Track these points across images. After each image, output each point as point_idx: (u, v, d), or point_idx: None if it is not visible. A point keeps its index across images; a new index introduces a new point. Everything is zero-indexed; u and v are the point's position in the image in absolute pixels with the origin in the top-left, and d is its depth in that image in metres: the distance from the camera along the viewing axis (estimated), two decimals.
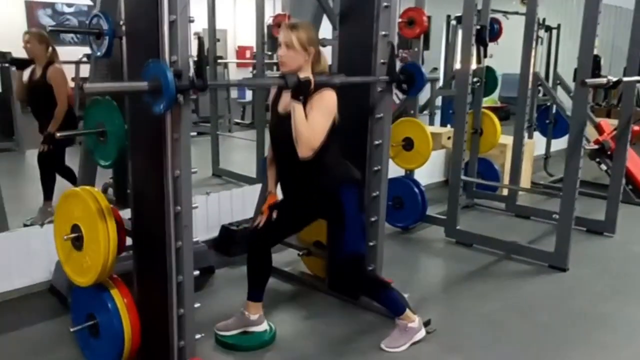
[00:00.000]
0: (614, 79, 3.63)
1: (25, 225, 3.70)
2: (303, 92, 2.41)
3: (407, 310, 2.85)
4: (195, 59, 2.05)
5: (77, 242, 2.31)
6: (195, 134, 2.22)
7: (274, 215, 2.74)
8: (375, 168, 3.04)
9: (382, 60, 2.92)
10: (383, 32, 2.89)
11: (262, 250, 2.82)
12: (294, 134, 2.45)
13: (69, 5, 9.14)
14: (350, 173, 2.70)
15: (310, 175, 2.60)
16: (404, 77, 2.98)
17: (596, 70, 3.59)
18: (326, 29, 3.26)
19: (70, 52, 6.89)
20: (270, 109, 2.74)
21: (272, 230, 2.79)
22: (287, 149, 2.51)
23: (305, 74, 2.47)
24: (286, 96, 2.53)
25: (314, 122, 2.45)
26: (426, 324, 2.96)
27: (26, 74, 4.34)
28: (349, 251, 2.69)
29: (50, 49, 4.23)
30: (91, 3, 3.47)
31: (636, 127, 5.41)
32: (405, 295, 3.01)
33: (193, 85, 2.04)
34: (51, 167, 4.38)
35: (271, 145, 2.79)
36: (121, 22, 2.30)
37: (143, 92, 1.99)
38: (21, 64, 4.33)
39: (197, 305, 2.32)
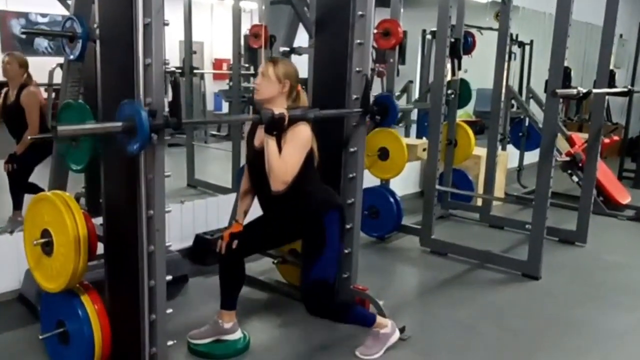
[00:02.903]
0: (584, 90, 3.72)
1: None
2: (277, 127, 2.44)
3: (378, 318, 2.85)
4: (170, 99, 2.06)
5: (47, 247, 2.28)
6: (169, 137, 2.20)
7: (234, 245, 2.72)
8: (351, 175, 3.05)
9: (355, 96, 2.93)
10: (358, 41, 2.92)
11: (234, 261, 2.80)
12: (266, 168, 2.48)
13: (43, 15, 9.02)
14: (333, 199, 2.73)
15: (291, 201, 2.61)
16: (377, 109, 3.03)
17: (566, 82, 3.67)
18: (302, 38, 3.29)
19: (45, 62, 6.79)
20: (246, 142, 2.78)
21: (246, 245, 2.78)
22: (265, 182, 2.53)
23: (280, 107, 2.49)
24: (261, 130, 2.55)
25: (287, 156, 2.48)
26: (401, 330, 2.96)
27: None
28: (319, 276, 2.65)
29: (26, 74, 4.28)
30: (66, 13, 3.46)
31: (606, 140, 5.55)
32: (380, 303, 3.02)
33: (167, 124, 2.04)
34: (20, 180, 4.34)
35: (249, 177, 2.81)
36: (95, 26, 2.29)
37: (117, 132, 2.01)
38: None
39: (169, 311, 2.28)
